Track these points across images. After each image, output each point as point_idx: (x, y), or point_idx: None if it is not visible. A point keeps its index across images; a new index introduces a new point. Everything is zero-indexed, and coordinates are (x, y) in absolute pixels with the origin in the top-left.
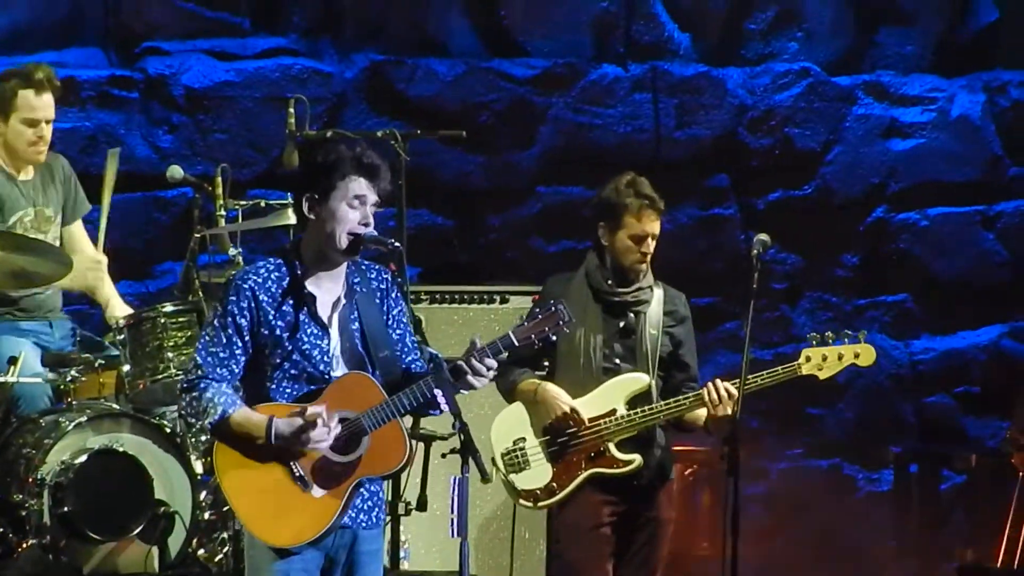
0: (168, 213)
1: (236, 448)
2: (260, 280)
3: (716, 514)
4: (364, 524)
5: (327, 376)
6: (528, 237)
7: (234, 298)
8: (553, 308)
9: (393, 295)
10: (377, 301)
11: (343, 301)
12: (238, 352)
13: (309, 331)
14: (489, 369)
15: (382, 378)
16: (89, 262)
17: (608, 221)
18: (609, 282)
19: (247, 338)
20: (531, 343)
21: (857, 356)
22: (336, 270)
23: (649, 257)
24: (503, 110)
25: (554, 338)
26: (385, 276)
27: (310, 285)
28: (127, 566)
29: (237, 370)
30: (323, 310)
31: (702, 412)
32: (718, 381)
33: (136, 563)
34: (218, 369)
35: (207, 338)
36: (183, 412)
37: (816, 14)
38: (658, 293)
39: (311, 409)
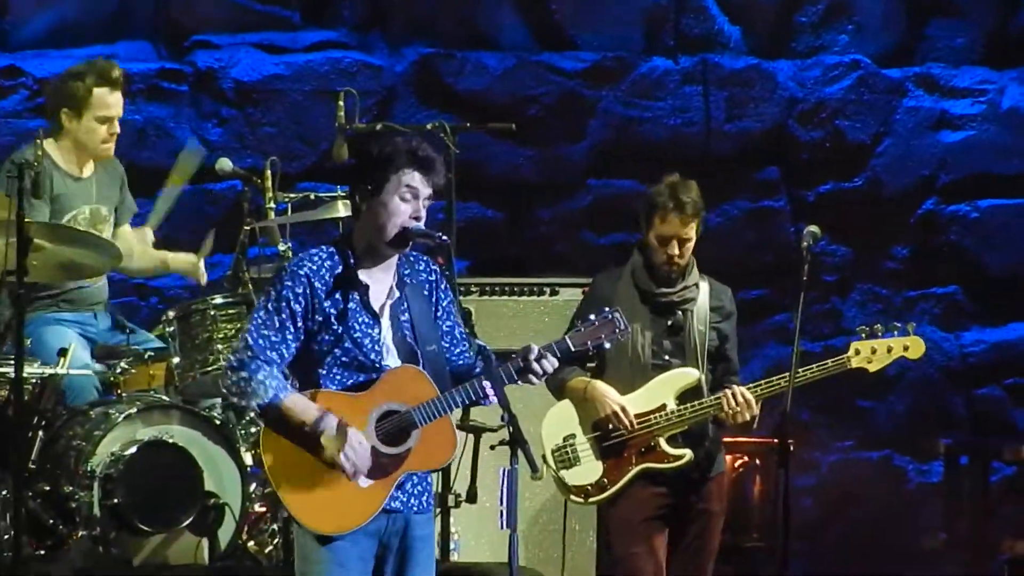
0: (217, 206)
1: (282, 433)
2: (315, 267)
3: (766, 506)
4: (416, 508)
5: (378, 365)
6: (578, 230)
7: (289, 283)
8: (610, 316)
9: (442, 287)
10: (426, 293)
11: (395, 292)
12: (290, 337)
13: (360, 319)
14: (547, 370)
15: (429, 372)
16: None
17: (643, 220)
18: (653, 283)
19: (300, 324)
20: (586, 349)
21: (906, 349)
22: (387, 262)
23: (682, 260)
24: (553, 103)
25: (608, 345)
26: (434, 268)
27: (362, 275)
28: (177, 558)
29: (287, 355)
30: (375, 299)
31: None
32: (736, 388)
33: (186, 555)
34: (269, 352)
35: (259, 320)
36: (227, 390)
37: (866, 6)
38: (704, 287)
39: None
